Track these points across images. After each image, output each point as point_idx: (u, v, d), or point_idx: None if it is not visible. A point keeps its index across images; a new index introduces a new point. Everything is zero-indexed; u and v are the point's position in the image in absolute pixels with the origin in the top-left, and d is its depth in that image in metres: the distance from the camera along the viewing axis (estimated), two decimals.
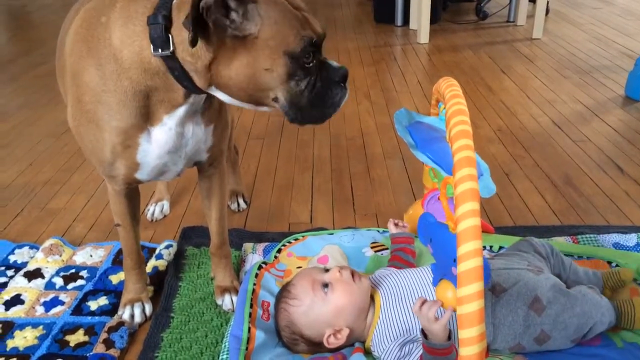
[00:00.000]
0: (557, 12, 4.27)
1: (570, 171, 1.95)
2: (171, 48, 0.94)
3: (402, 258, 1.31)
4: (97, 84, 1.01)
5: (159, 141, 1.07)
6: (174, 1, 0.95)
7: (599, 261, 1.37)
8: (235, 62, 0.94)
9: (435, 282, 0.97)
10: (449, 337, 0.96)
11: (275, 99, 0.99)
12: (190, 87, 1.00)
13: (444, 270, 0.94)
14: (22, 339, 1.24)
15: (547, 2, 3.71)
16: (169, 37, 0.94)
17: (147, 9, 0.96)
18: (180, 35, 0.94)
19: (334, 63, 1.01)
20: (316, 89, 0.99)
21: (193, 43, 0.89)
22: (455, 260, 0.90)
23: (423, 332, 0.98)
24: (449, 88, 1.00)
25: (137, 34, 0.96)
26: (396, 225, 1.39)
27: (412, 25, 3.92)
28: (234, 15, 0.91)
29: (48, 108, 2.66)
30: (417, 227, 1.10)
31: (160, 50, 0.95)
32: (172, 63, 0.96)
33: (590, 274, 1.23)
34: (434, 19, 3.78)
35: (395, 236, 1.37)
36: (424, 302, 0.97)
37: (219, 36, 0.92)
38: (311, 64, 0.97)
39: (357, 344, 1.14)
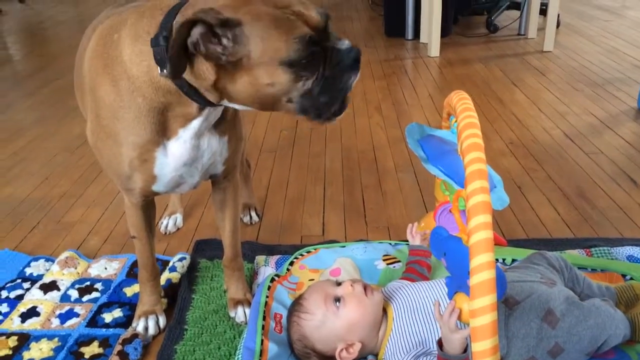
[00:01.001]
0: (568, 25, 4.27)
1: (583, 184, 1.95)
2: None
3: (417, 270, 1.32)
4: (114, 100, 1.03)
5: (175, 154, 1.09)
6: (175, 20, 0.94)
7: (613, 274, 1.37)
8: (238, 83, 0.94)
9: (451, 295, 0.98)
10: (465, 350, 0.96)
11: (289, 100, 0.97)
12: (202, 102, 1.01)
13: (460, 283, 0.94)
14: (37, 351, 1.26)
15: (558, 15, 3.72)
16: None
17: (152, 28, 0.97)
18: None
19: (344, 44, 0.95)
20: (325, 80, 0.94)
21: (176, 80, 0.93)
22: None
23: (439, 342, 0.98)
24: (461, 101, 1.01)
25: (144, 53, 0.98)
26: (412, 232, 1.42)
27: (423, 38, 3.94)
28: (224, 41, 0.90)
29: (63, 122, 2.70)
30: (430, 241, 1.10)
31: (165, 72, 0.95)
32: (179, 82, 0.97)
33: (604, 288, 1.22)
34: (445, 32, 3.80)
35: (414, 248, 1.38)
36: (439, 306, 0.98)
37: (216, 62, 0.92)
38: (313, 60, 0.92)
39: (370, 357, 1.14)
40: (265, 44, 0.89)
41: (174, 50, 0.87)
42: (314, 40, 0.91)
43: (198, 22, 0.87)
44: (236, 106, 1.03)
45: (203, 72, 0.94)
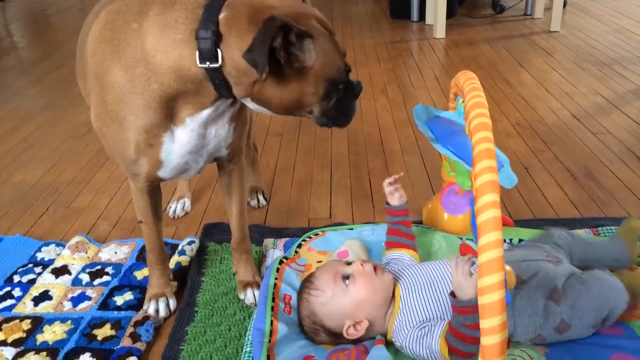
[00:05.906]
0: (575, 4, 4.23)
1: (590, 164, 1.94)
2: (219, 62, 0.98)
3: (401, 231, 1.33)
4: (124, 85, 1.03)
5: (181, 141, 1.10)
6: (220, 16, 0.97)
7: None
8: (286, 86, 1.01)
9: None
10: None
11: (310, 112, 1.08)
12: (227, 95, 1.04)
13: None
14: (51, 334, 1.28)
15: None
16: (217, 51, 0.97)
17: (189, 20, 0.99)
18: (229, 51, 0.98)
19: (353, 80, 1.12)
20: (342, 104, 1.09)
21: (265, 76, 0.95)
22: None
23: (452, 293, 0.99)
24: (468, 81, 1.01)
25: (177, 42, 0.99)
26: (391, 184, 1.36)
27: (429, 20, 3.91)
28: (292, 49, 0.97)
29: (69, 109, 2.71)
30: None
31: (207, 63, 0.98)
32: (216, 74, 1.00)
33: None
34: (450, 13, 3.77)
35: (394, 209, 1.35)
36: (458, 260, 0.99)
37: (274, 63, 0.96)
38: (341, 86, 1.07)
39: (378, 337, 1.16)
40: (326, 59, 1.02)
41: (266, 46, 0.93)
42: (348, 71, 1.09)
43: (282, 27, 0.94)
44: (252, 105, 1.06)
45: (249, 69, 0.97)
